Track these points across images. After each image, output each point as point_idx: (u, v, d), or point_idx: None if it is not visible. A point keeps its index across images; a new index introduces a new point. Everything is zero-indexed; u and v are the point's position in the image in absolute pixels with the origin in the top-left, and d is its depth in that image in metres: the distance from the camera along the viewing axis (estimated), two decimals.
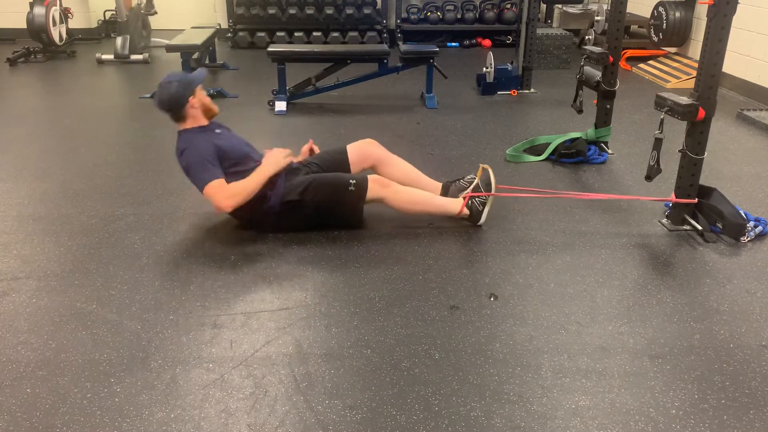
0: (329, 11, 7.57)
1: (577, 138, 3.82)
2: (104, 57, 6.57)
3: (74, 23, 7.36)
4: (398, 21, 7.91)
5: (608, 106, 3.77)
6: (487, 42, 7.88)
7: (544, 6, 7.80)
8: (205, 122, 2.81)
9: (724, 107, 4.71)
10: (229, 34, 7.66)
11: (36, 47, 6.67)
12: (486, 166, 2.96)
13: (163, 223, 2.93)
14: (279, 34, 7.49)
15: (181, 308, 2.27)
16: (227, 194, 2.62)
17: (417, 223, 2.93)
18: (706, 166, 2.92)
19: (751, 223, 2.84)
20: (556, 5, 8.02)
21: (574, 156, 3.76)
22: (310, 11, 7.55)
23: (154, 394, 1.85)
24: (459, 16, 7.89)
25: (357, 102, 5.22)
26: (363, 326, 2.17)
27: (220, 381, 1.90)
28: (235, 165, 2.72)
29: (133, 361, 1.99)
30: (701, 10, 6.05)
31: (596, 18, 7.25)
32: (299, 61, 5.14)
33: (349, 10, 7.58)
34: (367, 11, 7.64)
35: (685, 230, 2.89)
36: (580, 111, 3.94)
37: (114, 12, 7.18)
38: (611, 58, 3.60)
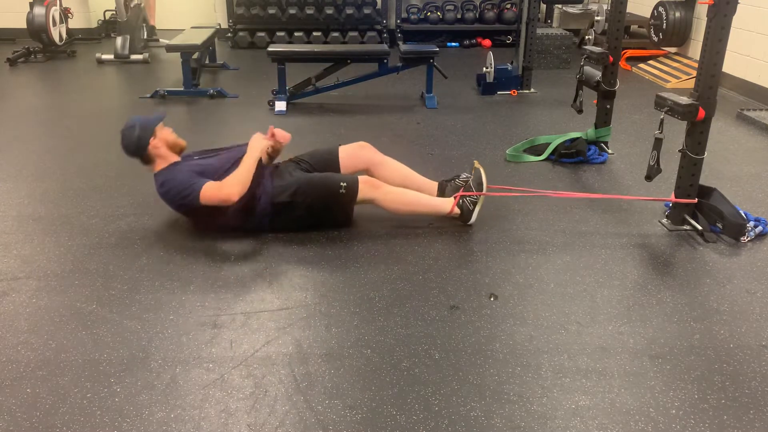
0: (329, 11, 7.57)
1: (577, 138, 3.82)
2: (104, 57, 6.57)
3: (74, 23, 7.36)
4: (398, 21, 7.91)
5: (608, 106, 3.78)
6: (487, 42, 7.88)
7: (544, 6, 7.80)
8: (176, 158, 2.80)
9: (724, 107, 4.71)
10: (229, 34, 7.66)
11: (36, 47, 6.67)
12: (478, 165, 2.95)
13: (163, 223, 2.93)
14: (279, 34, 7.49)
15: (181, 308, 2.27)
16: (226, 186, 2.62)
17: (417, 223, 2.93)
18: (706, 166, 2.92)
19: (751, 223, 2.84)
20: (556, 5, 8.02)
21: (574, 156, 3.76)
22: (310, 11, 7.55)
23: (153, 394, 1.85)
24: (459, 16, 7.89)
25: (357, 102, 5.21)
26: (363, 326, 2.18)
27: (220, 381, 1.90)
28: (220, 177, 2.70)
29: (132, 361, 1.99)
30: (701, 10, 6.05)
31: (596, 18, 7.25)
32: (299, 61, 5.14)
33: (349, 10, 7.58)
34: (367, 11, 7.64)
35: (685, 230, 2.89)
36: (580, 111, 3.94)
37: (114, 12, 7.19)
38: (611, 58, 3.60)
